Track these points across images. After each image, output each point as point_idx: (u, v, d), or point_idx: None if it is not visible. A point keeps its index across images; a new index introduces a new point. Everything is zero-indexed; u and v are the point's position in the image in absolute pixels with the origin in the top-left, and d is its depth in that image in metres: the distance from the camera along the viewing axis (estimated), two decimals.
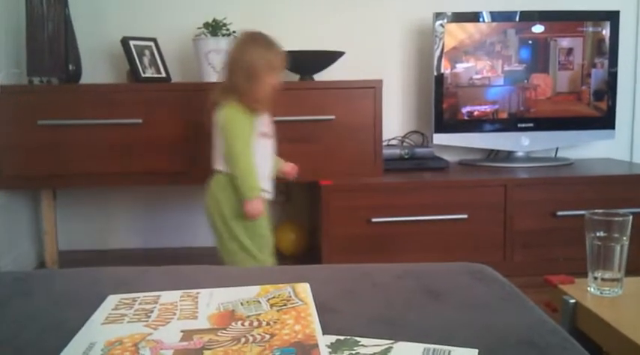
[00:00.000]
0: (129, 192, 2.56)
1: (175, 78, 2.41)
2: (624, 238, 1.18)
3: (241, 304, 0.78)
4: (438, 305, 0.84)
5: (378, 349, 0.68)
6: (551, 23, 2.42)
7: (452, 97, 2.42)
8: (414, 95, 2.63)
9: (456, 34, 2.39)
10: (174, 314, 0.76)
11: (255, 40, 1.83)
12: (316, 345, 0.65)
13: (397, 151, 2.38)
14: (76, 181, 2.18)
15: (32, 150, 2.10)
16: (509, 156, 2.54)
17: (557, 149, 2.64)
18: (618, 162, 2.59)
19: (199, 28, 2.30)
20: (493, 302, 0.85)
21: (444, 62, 2.40)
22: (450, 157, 2.57)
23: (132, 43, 2.25)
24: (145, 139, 2.13)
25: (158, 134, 2.13)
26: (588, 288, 1.21)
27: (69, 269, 1.08)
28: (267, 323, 0.71)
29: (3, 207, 2.20)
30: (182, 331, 0.70)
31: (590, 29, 2.44)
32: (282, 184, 2.52)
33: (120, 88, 2.23)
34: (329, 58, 2.33)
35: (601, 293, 1.20)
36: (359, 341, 0.69)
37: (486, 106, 2.44)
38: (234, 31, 2.28)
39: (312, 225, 2.44)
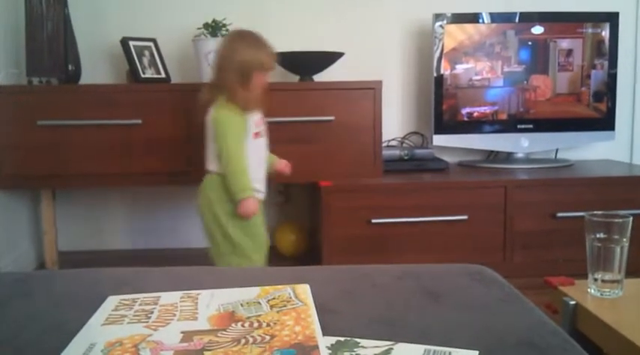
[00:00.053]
0: (128, 193, 2.56)
1: (175, 78, 2.41)
2: (624, 239, 1.18)
3: (241, 305, 0.78)
4: (438, 307, 0.84)
5: (378, 350, 0.67)
6: (550, 24, 2.42)
7: (451, 98, 2.42)
8: (414, 96, 2.64)
9: (455, 35, 2.39)
10: (174, 315, 0.76)
11: (245, 39, 1.83)
12: (316, 346, 0.65)
13: (397, 152, 2.38)
14: (76, 181, 2.18)
15: (32, 150, 2.10)
16: (508, 157, 2.54)
17: (557, 150, 2.64)
18: (618, 164, 2.59)
19: (199, 29, 2.30)
20: (493, 304, 0.85)
21: (443, 63, 2.40)
22: (449, 158, 2.57)
23: (131, 43, 2.25)
24: (145, 140, 2.13)
25: (157, 134, 2.13)
26: (588, 290, 1.21)
27: (69, 270, 1.08)
28: (267, 325, 0.71)
29: (2, 207, 2.20)
30: (182, 332, 0.70)
31: (590, 30, 2.44)
32: (281, 185, 2.53)
33: (119, 88, 2.23)
34: (329, 58, 2.33)
35: (601, 294, 1.20)
36: (359, 343, 0.69)
37: (486, 107, 2.44)
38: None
39: (312, 226, 2.43)
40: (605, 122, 2.48)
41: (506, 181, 2.18)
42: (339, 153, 2.20)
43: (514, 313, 0.82)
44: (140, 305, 0.80)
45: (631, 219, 1.19)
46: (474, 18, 2.40)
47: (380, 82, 2.20)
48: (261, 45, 1.82)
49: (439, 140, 2.43)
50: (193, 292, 0.84)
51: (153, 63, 2.31)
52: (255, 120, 1.85)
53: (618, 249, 1.18)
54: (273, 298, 0.80)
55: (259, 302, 0.79)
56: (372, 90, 2.19)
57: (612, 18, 2.44)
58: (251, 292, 0.83)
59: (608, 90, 2.47)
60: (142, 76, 2.24)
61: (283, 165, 1.99)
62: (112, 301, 0.82)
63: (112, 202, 2.56)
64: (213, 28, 2.28)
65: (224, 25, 2.29)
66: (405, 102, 2.64)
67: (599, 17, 2.45)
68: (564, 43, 2.44)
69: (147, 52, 2.31)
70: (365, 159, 2.21)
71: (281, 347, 0.65)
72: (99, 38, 2.44)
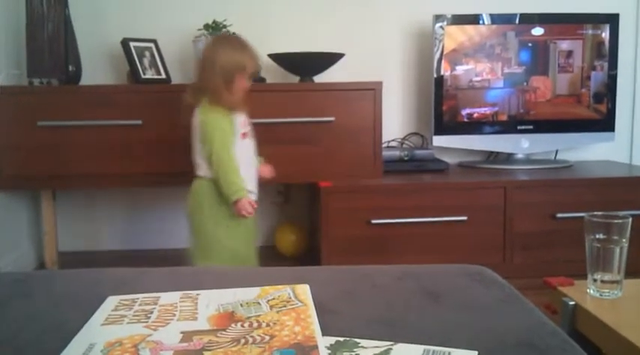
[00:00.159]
0: (129, 194, 2.56)
1: (175, 79, 2.41)
2: (624, 240, 1.18)
3: (241, 305, 0.78)
4: (438, 307, 0.84)
5: (377, 350, 0.68)
6: (550, 26, 2.43)
7: (452, 99, 2.42)
8: (414, 97, 2.64)
9: (455, 36, 2.40)
10: (174, 315, 0.76)
11: (229, 42, 1.84)
12: (316, 346, 0.65)
13: (397, 153, 2.38)
14: (76, 182, 2.18)
15: (32, 150, 2.10)
16: (508, 158, 2.54)
17: (556, 151, 2.64)
18: (618, 165, 2.59)
19: (199, 30, 2.30)
20: (493, 304, 0.85)
21: (443, 64, 2.40)
22: (449, 159, 2.57)
23: (132, 44, 2.25)
24: (145, 140, 2.13)
25: (158, 135, 2.13)
26: (588, 290, 1.21)
27: (69, 270, 1.08)
28: (267, 325, 0.71)
29: (3, 207, 2.20)
30: (182, 332, 0.70)
31: (590, 32, 2.44)
32: (281, 185, 2.54)
33: (120, 89, 2.23)
34: (329, 59, 2.33)
35: (600, 295, 1.20)
36: (359, 343, 0.69)
37: (486, 108, 2.44)
38: (234, 33, 2.29)
39: (312, 227, 2.43)
40: (604, 123, 2.48)
41: (506, 182, 2.18)
42: (339, 153, 2.20)
43: (514, 313, 0.82)
44: (140, 305, 0.80)
45: (630, 219, 1.19)
46: (474, 19, 2.40)
47: (380, 83, 2.20)
48: (243, 48, 1.82)
49: (439, 141, 2.43)
50: (193, 292, 0.84)
51: (153, 64, 2.31)
52: (241, 122, 1.85)
53: (618, 250, 1.18)
54: (273, 298, 0.80)
55: (259, 303, 0.79)
56: (372, 91, 2.19)
57: (612, 19, 2.44)
58: (251, 292, 0.83)
59: (608, 92, 2.47)
60: (143, 76, 2.24)
61: (267, 171, 1.97)
62: (111, 301, 0.82)
63: (113, 203, 2.56)
64: (214, 28, 2.28)
65: (224, 26, 2.30)
66: (405, 103, 2.64)
67: (599, 19, 2.45)
68: (564, 45, 2.44)
69: (147, 53, 2.31)
70: (365, 160, 2.22)
71: (280, 348, 0.65)
72: (99, 39, 2.44)
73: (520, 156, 2.52)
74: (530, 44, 2.43)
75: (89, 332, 0.72)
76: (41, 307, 0.85)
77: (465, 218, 2.13)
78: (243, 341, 0.67)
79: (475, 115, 2.44)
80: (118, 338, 0.69)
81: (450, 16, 2.39)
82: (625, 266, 1.19)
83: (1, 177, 2.12)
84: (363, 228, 2.11)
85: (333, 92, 2.20)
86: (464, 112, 2.43)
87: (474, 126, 2.45)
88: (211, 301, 0.80)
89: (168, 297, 0.83)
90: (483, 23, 2.41)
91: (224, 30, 2.29)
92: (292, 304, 0.78)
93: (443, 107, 2.41)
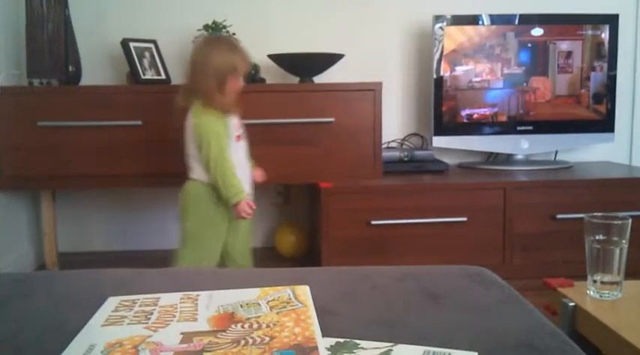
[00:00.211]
0: (129, 194, 2.56)
1: (175, 80, 2.41)
2: (623, 241, 1.18)
3: (241, 306, 0.78)
4: (438, 308, 0.84)
5: (377, 351, 0.68)
6: (550, 26, 2.43)
7: (451, 100, 2.42)
8: (414, 98, 2.64)
9: (455, 36, 2.40)
10: (174, 316, 0.76)
11: (220, 44, 1.84)
12: (316, 348, 0.65)
13: (397, 154, 2.38)
14: (76, 183, 2.18)
15: (32, 151, 2.10)
16: (508, 159, 2.54)
17: (556, 152, 2.64)
18: (617, 166, 2.59)
19: (199, 30, 2.30)
20: (492, 305, 0.85)
21: (443, 65, 2.40)
22: (449, 160, 2.57)
23: (132, 44, 2.25)
24: (145, 141, 2.13)
25: (158, 136, 2.13)
26: (587, 291, 1.21)
27: (69, 271, 1.08)
28: (267, 326, 0.71)
29: (3, 208, 2.20)
30: (182, 333, 0.70)
31: (590, 32, 2.44)
32: (281, 186, 2.54)
33: (120, 89, 2.23)
34: (328, 60, 2.33)
35: (600, 296, 1.20)
36: (358, 344, 0.70)
37: (486, 109, 2.44)
38: (234, 33, 2.29)
39: (312, 228, 2.44)
40: (604, 124, 2.49)
41: (505, 183, 2.18)
42: (339, 154, 2.20)
43: (513, 314, 0.82)
44: (140, 306, 0.80)
45: (630, 220, 1.19)
46: (473, 20, 2.41)
47: (380, 84, 2.21)
48: (234, 49, 1.81)
49: (439, 142, 2.43)
50: (193, 293, 0.84)
51: (153, 64, 2.31)
52: (235, 124, 1.85)
53: (617, 251, 1.18)
54: (273, 299, 0.80)
55: (259, 304, 0.79)
56: (372, 92, 2.19)
57: (612, 20, 2.45)
58: (251, 293, 0.83)
59: (608, 92, 2.47)
60: (143, 77, 2.24)
61: (258, 175, 1.96)
62: (112, 302, 0.82)
63: (113, 203, 2.56)
64: (214, 29, 2.28)
65: (224, 27, 2.30)
66: (405, 103, 2.64)
67: (598, 19, 2.45)
68: (564, 45, 2.44)
69: (147, 54, 2.31)
70: (365, 161, 2.22)
71: (280, 349, 0.65)
72: (99, 39, 2.44)
73: (520, 156, 2.52)
74: (529, 45, 2.43)
75: (89, 332, 0.72)
76: (41, 307, 0.85)
77: (464, 219, 2.14)
78: (243, 342, 0.67)
79: (475, 116, 2.44)
80: (118, 339, 0.69)
81: (449, 16, 2.39)
82: (625, 268, 1.19)
83: (1, 178, 2.12)
84: (363, 228, 2.11)
85: (333, 93, 2.20)
86: (463, 113, 2.43)
87: (474, 127, 2.45)
88: (211, 302, 0.80)
89: (168, 298, 0.82)
90: (483, 24, 2.41)
91: (224, 30, 2.29)
92: (292, 305, 0.78)
93: (442, 108, 2.41)
